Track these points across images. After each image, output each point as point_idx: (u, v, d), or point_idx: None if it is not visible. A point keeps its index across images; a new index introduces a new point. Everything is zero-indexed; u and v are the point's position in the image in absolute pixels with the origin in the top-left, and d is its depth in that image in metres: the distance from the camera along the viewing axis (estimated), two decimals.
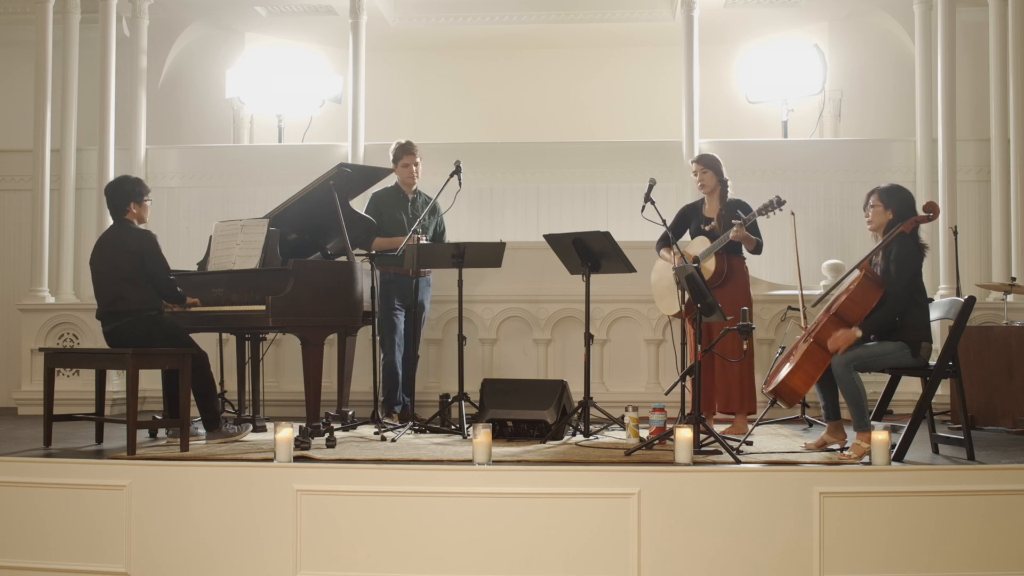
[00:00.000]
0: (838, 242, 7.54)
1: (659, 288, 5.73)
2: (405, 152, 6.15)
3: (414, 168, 6.16)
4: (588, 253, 5.46)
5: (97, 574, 4.10)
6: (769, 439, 5.26)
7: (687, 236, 5.77)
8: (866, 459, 4.39)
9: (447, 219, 6.36)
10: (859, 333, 4.55)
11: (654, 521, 3.93)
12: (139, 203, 5.15)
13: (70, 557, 4.12)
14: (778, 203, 5.33)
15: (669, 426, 4.72)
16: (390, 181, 6.20)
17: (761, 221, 5.51)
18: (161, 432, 5.47)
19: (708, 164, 5.67)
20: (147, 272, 4.98)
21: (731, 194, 5.67)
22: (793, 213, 5.90)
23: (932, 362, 4.77)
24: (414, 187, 6.23)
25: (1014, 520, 3.92)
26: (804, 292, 5.71)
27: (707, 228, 5.60)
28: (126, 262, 4.98)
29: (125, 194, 5.13)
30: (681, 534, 3.93)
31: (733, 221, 5.37)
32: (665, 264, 5.68)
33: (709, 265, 5.47)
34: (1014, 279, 6.51)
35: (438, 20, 8.38)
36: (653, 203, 5.14)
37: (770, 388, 4.73)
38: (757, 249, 5.53)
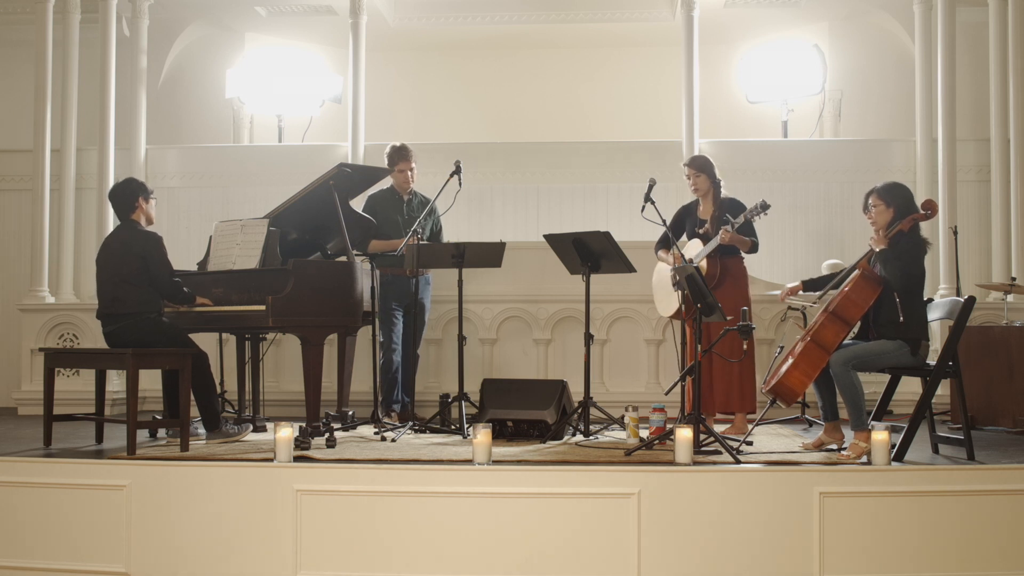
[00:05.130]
0: (838, 242, 7.55)
1: (658, 289, 5.74)
2: (401, 159, 6.11)
3: (409, 174, 6.14)
4: (588, 253, 5.46)
5: (97, 574, 4.10)
6: (769, 439, 5.26)
7: (684, 237, 5.77)
8: (864, 459, 4.39)
9: (447, 219, 6.35)
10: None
11: (654, 521, 3.93)
12: (146, 199, 5.16)
13: (70, 557, 4.12)
14: (762, 207, 5.25)
15: (669, 426, 4.72)
16: (386, 182, 6.19)
17: (758, 221, 5.50)
18: (161, 432, 5.47)
19: (701, 168, 5.64)
20: (150, 275, 4.99)
21: (725, 192, 5.65)
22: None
23: (931, 362, 4.77)
24: (410, 189, 6.23)
25: (1014, 520, 3.92)
26: (803, 292, 5.71)
27: (700, 231, 5.59)
28: (128, 264, 4.98)
29: (133, 191, 5.13)
30: (681, 534, 3.93)
31: (723, 228, 5.34)
32: (665, 266, 5.67)
33: (701, 267, 5.47)
34: (1014, 279, 6.50)
35: (438, 20, 8.38)
36: (653, 203, 5.13)
37: (768, 387, 4.74)
38: (752, 249, 5.52)
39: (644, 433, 5.01)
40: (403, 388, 6.08)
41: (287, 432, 4.28)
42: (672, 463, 4.19)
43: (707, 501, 3.96)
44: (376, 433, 5.37)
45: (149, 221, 5.19)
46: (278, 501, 4.04)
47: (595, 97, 8.66)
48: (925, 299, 4.84)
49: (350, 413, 5.67)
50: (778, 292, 6.64)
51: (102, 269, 5.08)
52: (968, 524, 3.92)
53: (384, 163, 6.14)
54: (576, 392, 5.55)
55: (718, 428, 5.33)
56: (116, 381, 6.87)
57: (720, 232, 5.32)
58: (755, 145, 7.76)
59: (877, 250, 4.73)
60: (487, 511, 3.98)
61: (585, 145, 7.90)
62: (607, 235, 5.33)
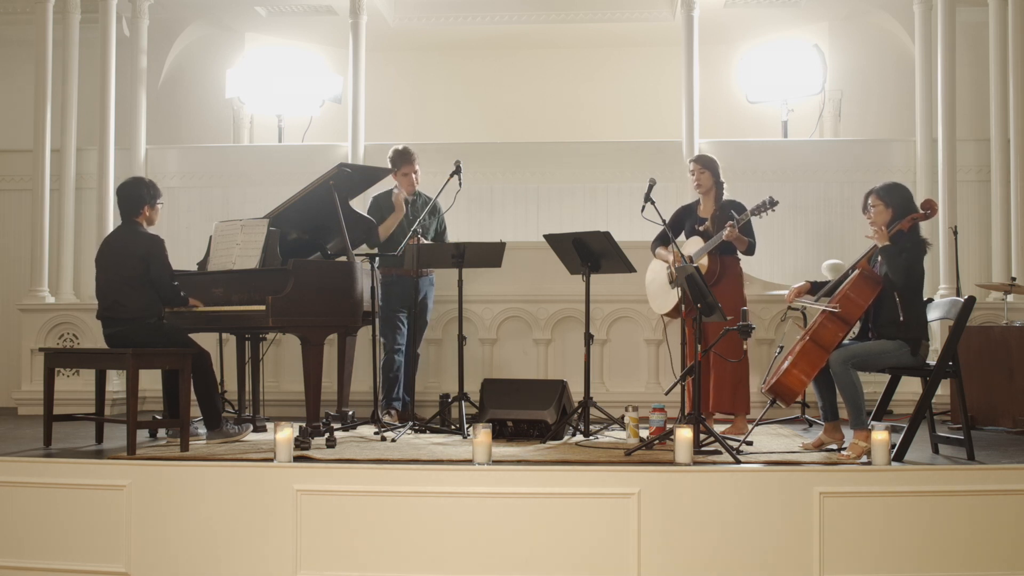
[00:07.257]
0: (838, 242, 7.54)
1: (652, 288, 5.74)
2: (404, 162, 6.10)
3: (413, 177, 6.14)
4: (588, 253, 5.46)
5: (97, 574, 4.10)
6: (769, 439, 5.26)
7: (682, 236, 5.78)
8: (864, 459, 4.39)
9: (447, 218, 6.35)
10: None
11: (654, 521, 3.93)
12: (152, 206, 5.16)
13: (70, 557, 4.12)
14: (771, 203, 5.35)
15: (669, 426, 4.72)
16: (390, 182, 6.19)
17: (756, 222, 5.51)
18: (161, 432, 5.47)
19: (706, 164, 5.69)
20: (150, 277, 4.98)
21: (727, 195, 5.68)
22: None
23: (931, 361, 4.77)
24: (414, 190, 6.23)
25: (1014, 520, 3.93)
26: (810, 294, 5.71)
27: (701, 228, 5.61)
28: (129, 266, 4.97)
29: (140, 197, 5.12)
30: (681, 534, 3.93)
31: (728, 224, 5.37)
32: (660, 264, 5.68)
33: (702, 264, 5.48)
34: (1014, 279, 6.51)
35: (438, 20, 8.38)
36: (653, 203, 5.14)
37: (767, 387, 4.74)
38: (749, 250, 5.54)
39: (644, 433, 5.01)
40: (404, 388, 6.08)
41: (287, 432, 4.28)
42: (672, 463, 4.20)
43: (707, 501, 3.96)
44: (376, 433, 5.37)
45: (150, 224, 5.19)
46: (278, 501, 4.04)
47: (595, 97, 8.66)
48: (925, 299, 4.85)
49: (350, 413, 5.67)
50: (777, 292, 6.69)
51: (102, 269, 5.08)
52: (968, 524, 3.92)
53: (384, 163, 6.14)
54: (576, 392, 5.56)
55: (718, 428, 5.33)
56: (116, 381, 6.87)
57: (726, 227, 5.33)
58: (755, 145, 7.76)
59: (880, 246, 4.73)
60: (487, 511, 3.98)
61: (585, 145, 7.90)
62: (607, 235, 5.34)
